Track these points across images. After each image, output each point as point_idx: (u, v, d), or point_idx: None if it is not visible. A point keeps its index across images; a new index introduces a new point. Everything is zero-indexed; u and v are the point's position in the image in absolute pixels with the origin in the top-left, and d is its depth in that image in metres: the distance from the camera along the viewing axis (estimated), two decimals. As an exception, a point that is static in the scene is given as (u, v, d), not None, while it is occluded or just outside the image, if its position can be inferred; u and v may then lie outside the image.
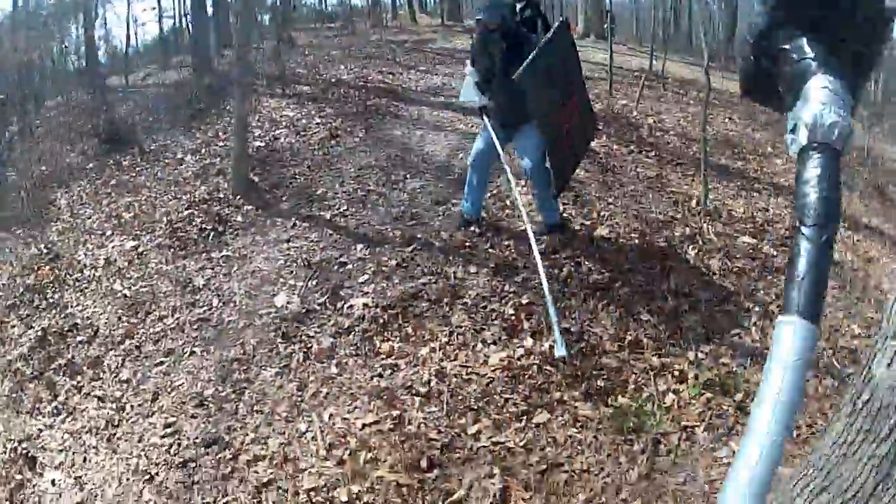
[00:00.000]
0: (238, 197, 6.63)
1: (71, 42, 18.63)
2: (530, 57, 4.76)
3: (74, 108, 12.35)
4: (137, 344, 5.19)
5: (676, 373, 4.19)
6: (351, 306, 4.82)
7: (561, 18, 5.44)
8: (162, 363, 4.90)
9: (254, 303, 5.22)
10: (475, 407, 3.98)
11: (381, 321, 4.62)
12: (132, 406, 4.62)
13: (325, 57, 12.76)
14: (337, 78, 10.71)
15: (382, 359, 4.37)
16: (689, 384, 4.09)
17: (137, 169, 8.45)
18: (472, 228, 5.62)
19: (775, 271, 5.39)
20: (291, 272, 5.44)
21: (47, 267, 6.80)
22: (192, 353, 4.90)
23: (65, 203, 8.34)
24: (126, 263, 6.27)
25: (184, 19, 22.71)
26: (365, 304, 4.77)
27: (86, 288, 6.12)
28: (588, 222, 5.80)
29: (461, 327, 4.52)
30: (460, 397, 4.06)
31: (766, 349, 3.90)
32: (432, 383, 4.15)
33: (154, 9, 21.17)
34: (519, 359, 4.26)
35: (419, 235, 5.56)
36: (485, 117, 5.35)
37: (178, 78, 12.41)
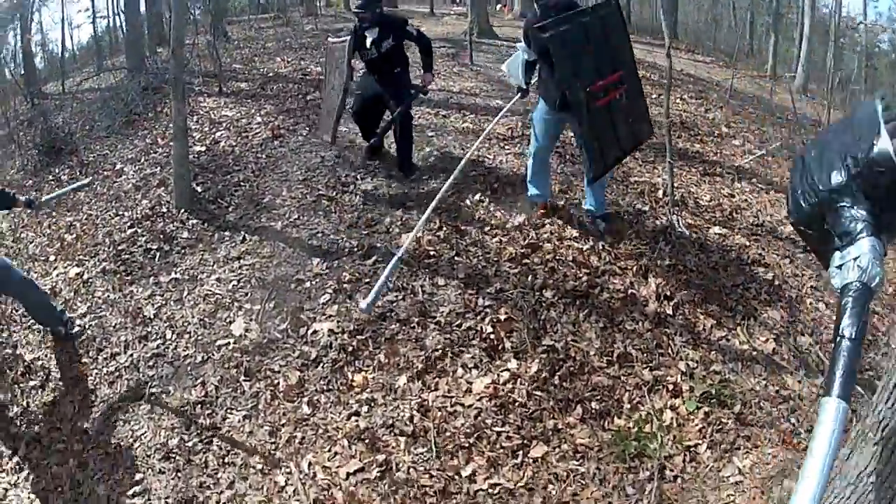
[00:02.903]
0: (182, 210, 5.69)
1: (8, 50, 16.81)
2: (567, 14, 4.21)
3: (14, 120, 10.91)
4: (92, 387, 4.36)
5: (670, 386, 3.64)
6: (315, 332, 4.06)
7: None
8: (119, 408, 4.10)
9: (209, 332, 4.42)
10: (466, 444, 3.34)
11: (350, 349, 3.88)
12: (94, 461, 3.84)
13: (261, 50, 11.53)
14: (274, 72, 9.55)
15: (357, 393, 3.66)
16: (685, 398, 3.55)
17: (77, 184, 7.34)
18: (542, 211, 5.04)
19: (751, 264, 4.78)
20: (246, 294, 4.62)
21: (-8, 301, 5.77)
22: (151, 395, 4.11)
23: (7, 226, 7.20)
24: (72, 293, 5.32)
25: (117, 18, 20.82)
26: (330, 330, 4.02)
27: (33, 324, 5.16)
28: (557, 223, 5.03)
29: (437, 350, 3.81)
30: (448, 434, 3.40)
31: (755, 351, 3.90)
32: (415, 420, 3.47)
33: (87, 10, 19.11)
34: (504, 384, 3.59)
35: (378, 245, 4.75)
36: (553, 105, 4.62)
37: (114, 81, 11.05)
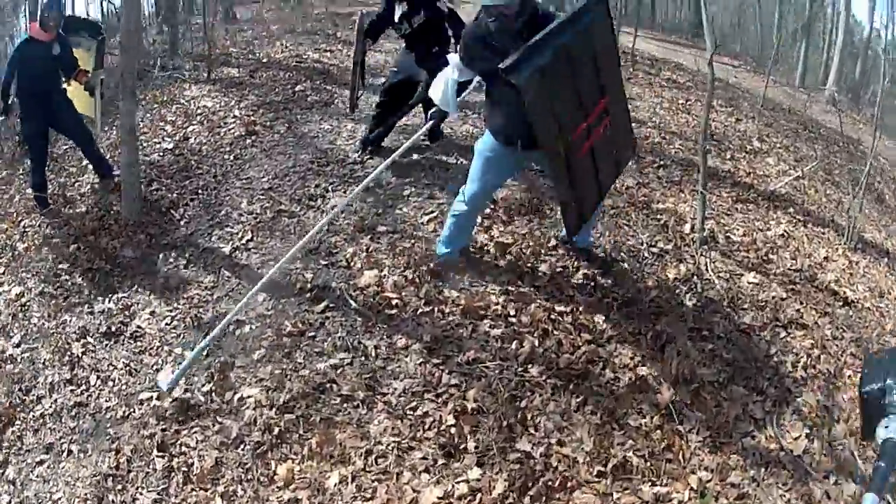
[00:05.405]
0: (130, 223, 4.82)
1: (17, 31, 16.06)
2: (539, 38, 2.79)
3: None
4: (20, 433, 3.66)
5: (676, 508, 2.62)
6: (241, 400, 3.17)
7: None
8: (42, 462, 3.42)
9: (134, 381, 3.63)
10: (400, 582, 2.40)
11: (278, 430, 2.98)
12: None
13: (263, 33, 10.50)
14: (269, 57, 8.54)
15: (278, 488, 2.80)
16: (693, 525, 2.53)
17: (39, 184, 6.43)
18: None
19: (787, 325, 3.64)
20: (178, 335, 3.79)
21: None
22: (70, 452, 3.38)
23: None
24: (10, 318, 4.52)
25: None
26: (257, 402, 3.12)
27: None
28: (559, 265, 3.87)
29: (382, 443, 2.85)
30: (381, 566, 2.47)
31: (783, 451, 2.84)
32: (343, 539, 2.54)
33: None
34: (460, 499, 2.59)
35: (333, 284, 3.77)
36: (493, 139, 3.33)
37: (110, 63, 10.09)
